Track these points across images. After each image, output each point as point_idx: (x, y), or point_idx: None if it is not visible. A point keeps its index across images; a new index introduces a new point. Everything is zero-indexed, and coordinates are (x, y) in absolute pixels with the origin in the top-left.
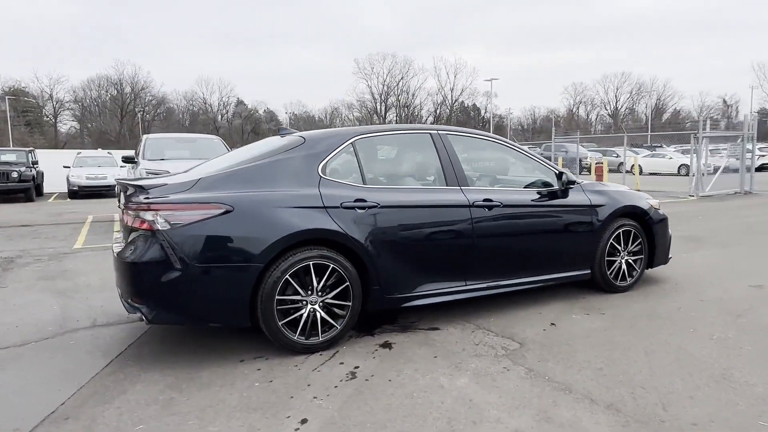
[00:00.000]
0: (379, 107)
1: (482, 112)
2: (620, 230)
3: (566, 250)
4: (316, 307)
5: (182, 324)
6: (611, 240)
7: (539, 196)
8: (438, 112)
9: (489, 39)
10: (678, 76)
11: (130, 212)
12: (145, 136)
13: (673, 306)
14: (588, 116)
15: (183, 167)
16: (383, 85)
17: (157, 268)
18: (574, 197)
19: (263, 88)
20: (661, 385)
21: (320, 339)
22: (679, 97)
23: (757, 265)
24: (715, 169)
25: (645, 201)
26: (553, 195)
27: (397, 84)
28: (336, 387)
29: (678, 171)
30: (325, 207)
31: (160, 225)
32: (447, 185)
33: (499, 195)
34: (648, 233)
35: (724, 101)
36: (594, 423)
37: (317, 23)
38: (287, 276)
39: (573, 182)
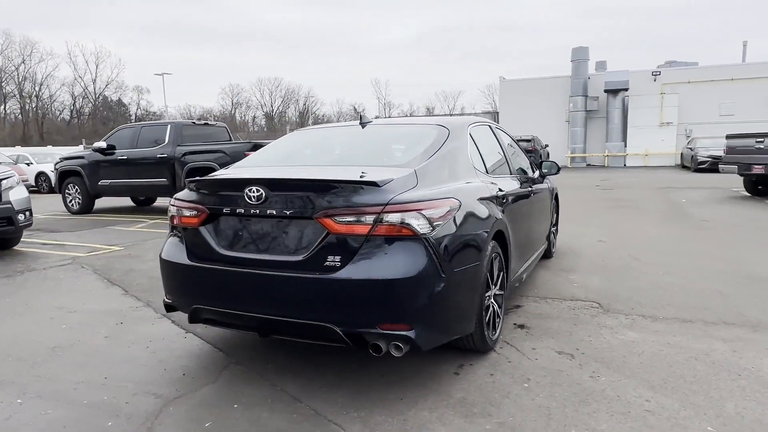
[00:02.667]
0: None
1: (132, 108)
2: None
3: (545, 225)
4: (492, 301)
5: (442, 343)
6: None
7: (536, 181)
8: (78, 105)
9: (132, 30)
10: (319, 86)
11: (345, 217)
12: None
13: (608, 260)
14: (244, 117)
15: None
16: None
17: (425, 280)
18: (545, 182)
19: None
20: (748, 303)
21: (496, 333)
22: (320, 103)
23: (573, 227)
24: None
25: None
26: (537, 180)
27: (17, 68)
28: (581, 366)
29: None
30: (492, 197)
31: (421, 228)
32: (510, 173)
33: (528, 180)
34: (557, 208)
35: (355, 109)
36: None
37: None
38: (486, 272)
39: (559, 168)
